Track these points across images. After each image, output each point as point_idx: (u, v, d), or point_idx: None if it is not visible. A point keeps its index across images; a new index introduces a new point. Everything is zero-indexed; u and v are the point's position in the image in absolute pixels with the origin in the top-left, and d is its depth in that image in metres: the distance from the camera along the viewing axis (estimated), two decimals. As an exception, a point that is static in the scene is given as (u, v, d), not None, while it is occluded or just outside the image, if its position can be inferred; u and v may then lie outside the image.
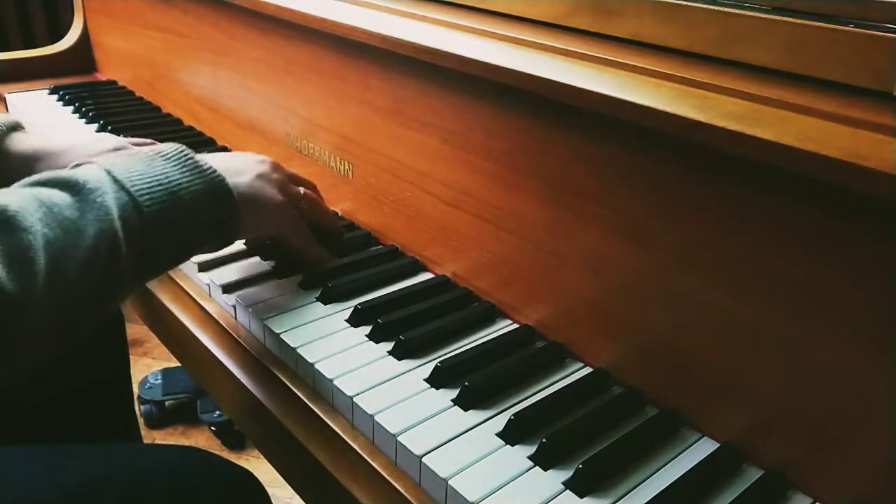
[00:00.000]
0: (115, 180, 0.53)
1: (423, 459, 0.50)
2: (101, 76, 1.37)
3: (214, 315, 0.70)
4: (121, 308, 1.03)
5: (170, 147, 0.60)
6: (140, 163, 0.56)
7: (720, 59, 0.51)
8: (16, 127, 0.76)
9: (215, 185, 0.59)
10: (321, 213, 0.75)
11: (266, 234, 0.72)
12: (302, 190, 0.71)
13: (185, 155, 0.59)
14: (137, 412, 1.57)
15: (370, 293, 0.70)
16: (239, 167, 0.65)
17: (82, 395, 0.96)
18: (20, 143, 0.75)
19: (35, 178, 0.52)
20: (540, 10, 0.63)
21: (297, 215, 0.70)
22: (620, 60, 0.53)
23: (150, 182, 0.55)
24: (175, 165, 0.58)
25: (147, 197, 0.54)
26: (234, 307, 0.68)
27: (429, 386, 0.58)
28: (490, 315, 0.68)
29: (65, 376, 0.92)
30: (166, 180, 0.56)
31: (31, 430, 0.67)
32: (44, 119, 1.14)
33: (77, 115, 1.15)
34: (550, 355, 0.63)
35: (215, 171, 0.60)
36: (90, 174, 0.53)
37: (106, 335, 1.02)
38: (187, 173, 0.58)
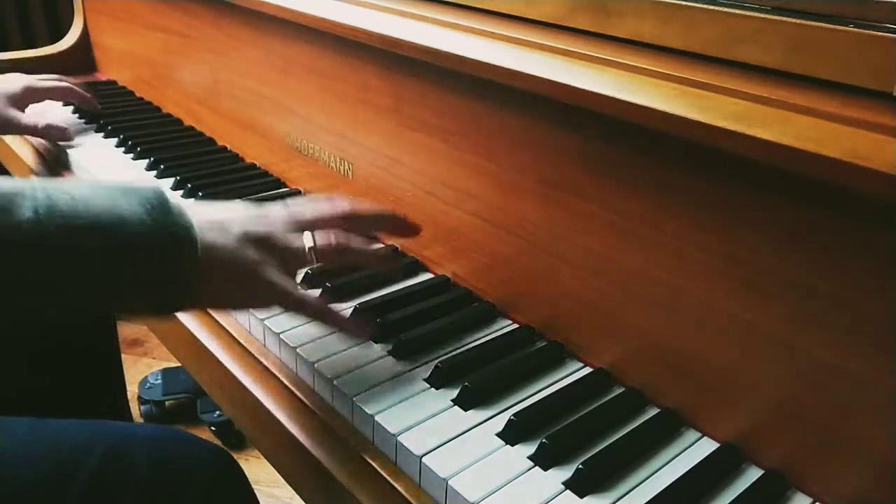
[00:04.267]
0: (34, 196, 0.45)
1: (423, 459, 0.50)
2: (101, 76, 1.37)
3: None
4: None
5: (145, 185, 0.51)
6: (88, 188, 0.48)
7: (720, 59, 0.51)
8: None
9: (171, 230, 0.48)
10: (350, 262, 0.62)
11: (240, 308, 0.62)
12: (307, 239, 0.56)
13: (154, 194, 0.50)
14: (137, 410, 1.58)
15: (370, 293, 0.70)
16: (227, 222, 0.53)
17: (71, 377, 0.97)
18: None
19: None
20: (540, 10, 0.63)
21: (287, 292, 0.55)
22: (620, 60, 0.53)
23: (74, 204, 0.46)
24: (131, 199, 0.48)
25: (59, 217, 0.45)
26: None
27: (429, 386, 0.58)
28: (490, 315, 0.68)
29: (53, 356, 0.93)
30: (100, 208, 0.46)
31: (18, 412, 0.68)
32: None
33: (77, 114, 1.15)
34: (550, 355, 0.63)
35: (183, 216, 0.50)
36: (23, 186, 0.46)
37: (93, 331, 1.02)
38: (140, 210, 0.48)
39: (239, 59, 0.97)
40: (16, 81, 1.01)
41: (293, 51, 0.86)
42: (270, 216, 0.56)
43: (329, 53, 0.80)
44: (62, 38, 1.38)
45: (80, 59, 1.37)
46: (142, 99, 1.24)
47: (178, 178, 0.92)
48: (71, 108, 1.17)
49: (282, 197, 0.88)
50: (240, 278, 0.53)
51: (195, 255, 0.49)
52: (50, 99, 1.07)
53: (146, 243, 0.47)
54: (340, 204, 0.60)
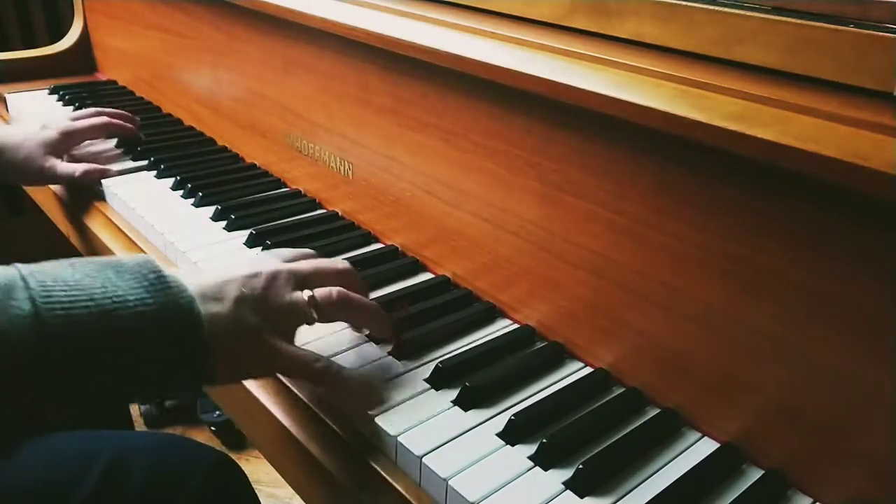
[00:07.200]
0: (27, 287, 0.43)
1: (423, 459, 0.50)
2: (101, 76, 1.37)
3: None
4: None
5: (133, 259, 0.49)
6: (78, 271, 0.46)
7: (720, 59, 0.51)
8: None
9: (175, 308, 0.47)
10: (352, 317, 0.60)
11: (254, 376, 0.59)
12: (306, 295, 0.54)
13: (149, 268, 0.48)
14: (137, 411, 1.57)
15: (369, 293, 0.70)
16: (223, 286, 0.51)
17: None
18: None
19: None
20: (540, 10, 0.63)
21: (290, 357, 0.53)
22: (620, 60, 0.53)
23: (71, 292, 0.44)
24: (126, 278, 0.46)
25: (58, 307, 0.43)
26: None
27: (429, 386, 0.58)
28: (490, 315, 0.68)
29: None
30: (99, 293, 0.44)
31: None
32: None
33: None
34: (550, 355, 0.63)
35: (181, 289, 0.48)
36: (13, 276, 0.43)
37: None
38: (139, 289, 0.46)
39: (239, 59, 0.97)
40: (51, 126, 0.96)
41: (293, 51, 0.86)
42: (265, 273, 0.53)
43: (329, 53, 0.80)
44: (62, 38, 1.38)
45: (80, 59, 1.38)
46: (142, 99, 1.24)
47: (178, 178, 0.92)
48: (71, 108, 1.17)
49: (282, 197, 0.89)
50: (242, 346, 0.51)
51: (202, 331, 0.47)
52: (89, 139, 1.02)
53: (150, 325, 0.45)
54: (338, 261, 0.60)
